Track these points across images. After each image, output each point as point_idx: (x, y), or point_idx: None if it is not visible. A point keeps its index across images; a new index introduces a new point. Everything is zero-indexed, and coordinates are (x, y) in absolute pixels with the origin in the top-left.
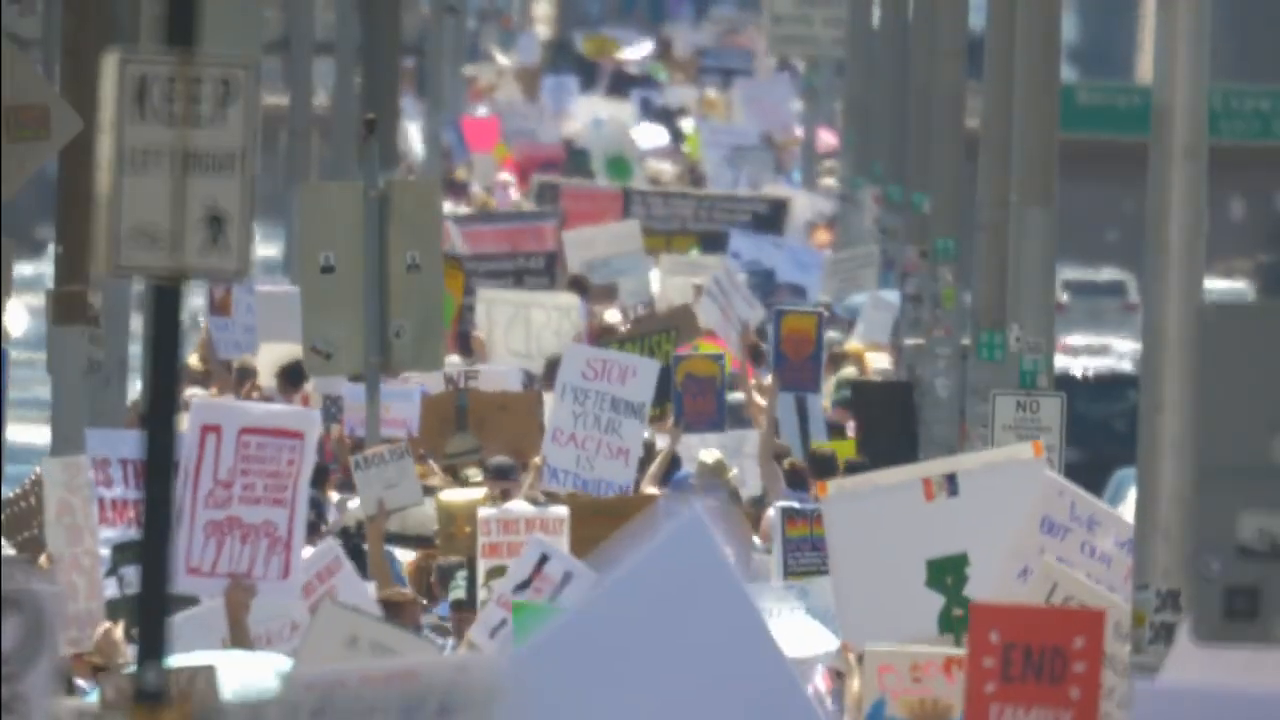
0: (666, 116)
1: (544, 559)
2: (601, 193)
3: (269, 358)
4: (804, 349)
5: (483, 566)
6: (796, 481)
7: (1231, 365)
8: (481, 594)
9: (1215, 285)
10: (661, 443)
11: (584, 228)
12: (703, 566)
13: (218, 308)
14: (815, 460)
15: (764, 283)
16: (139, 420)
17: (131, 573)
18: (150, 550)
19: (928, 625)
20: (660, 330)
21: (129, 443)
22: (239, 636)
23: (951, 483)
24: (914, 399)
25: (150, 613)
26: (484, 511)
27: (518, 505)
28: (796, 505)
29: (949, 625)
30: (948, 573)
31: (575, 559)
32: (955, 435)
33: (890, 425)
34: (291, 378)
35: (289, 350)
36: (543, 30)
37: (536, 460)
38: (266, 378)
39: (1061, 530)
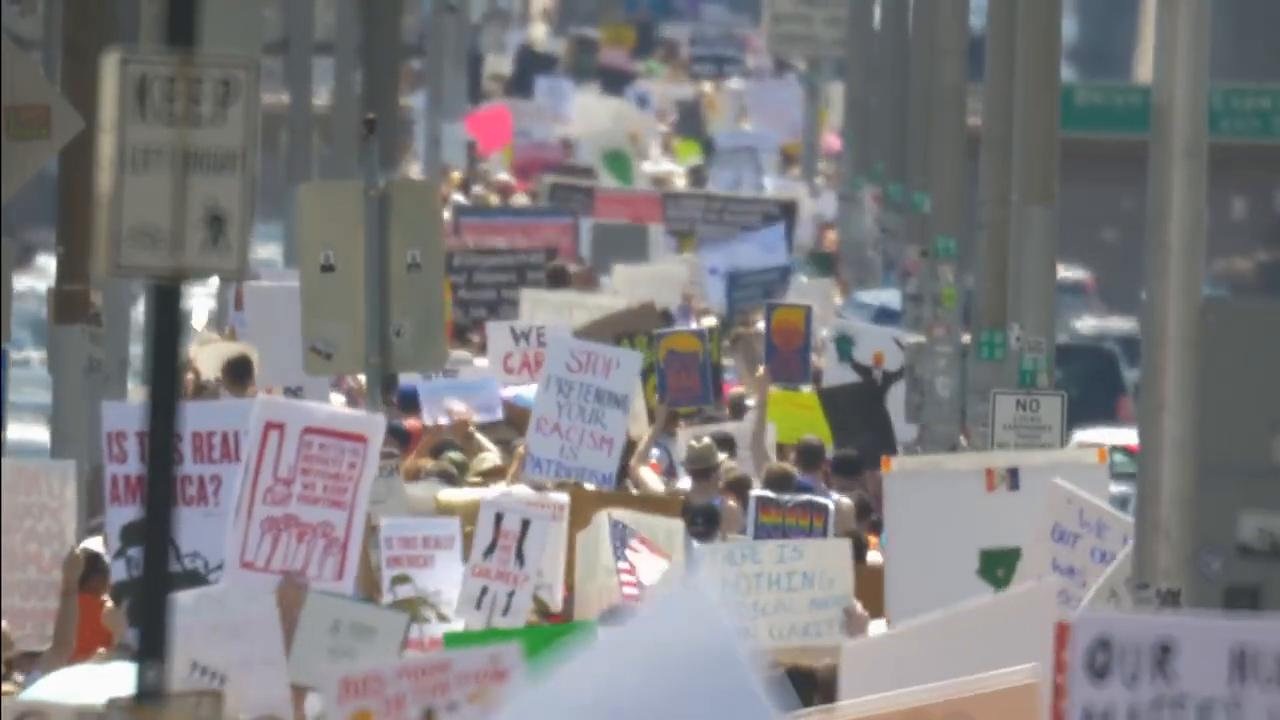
0: (688, 115)
1: (499, 517)
2: (640, 196)
3: (210, 354)
4: (794, 340)
5: (386, 575)
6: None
7: (1231, 365)
8: (386, 598)
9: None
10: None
11: (618, 221)
12: (703, 633)
13: (239, 305)
14: (803, 450)
15: (743, 277)
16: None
17: (140, 554)
18: (151, 551)
19: None
20: (624, 332)
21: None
22: (291, 633)
23: (1014, 477)
24: (877, 393)
25: (151, 612)
26: (487, 496)
27: (520, 490)
28: (772, 495)
29: None
30: (1000, 565)
31: (529, 508)
32: (956, 434)
33: (859, 425)
34: (237, 374)
35: (231, 346)
36: (543, 28)
37: (520, 450)
38: (209, 374)
39: (1072, 538)
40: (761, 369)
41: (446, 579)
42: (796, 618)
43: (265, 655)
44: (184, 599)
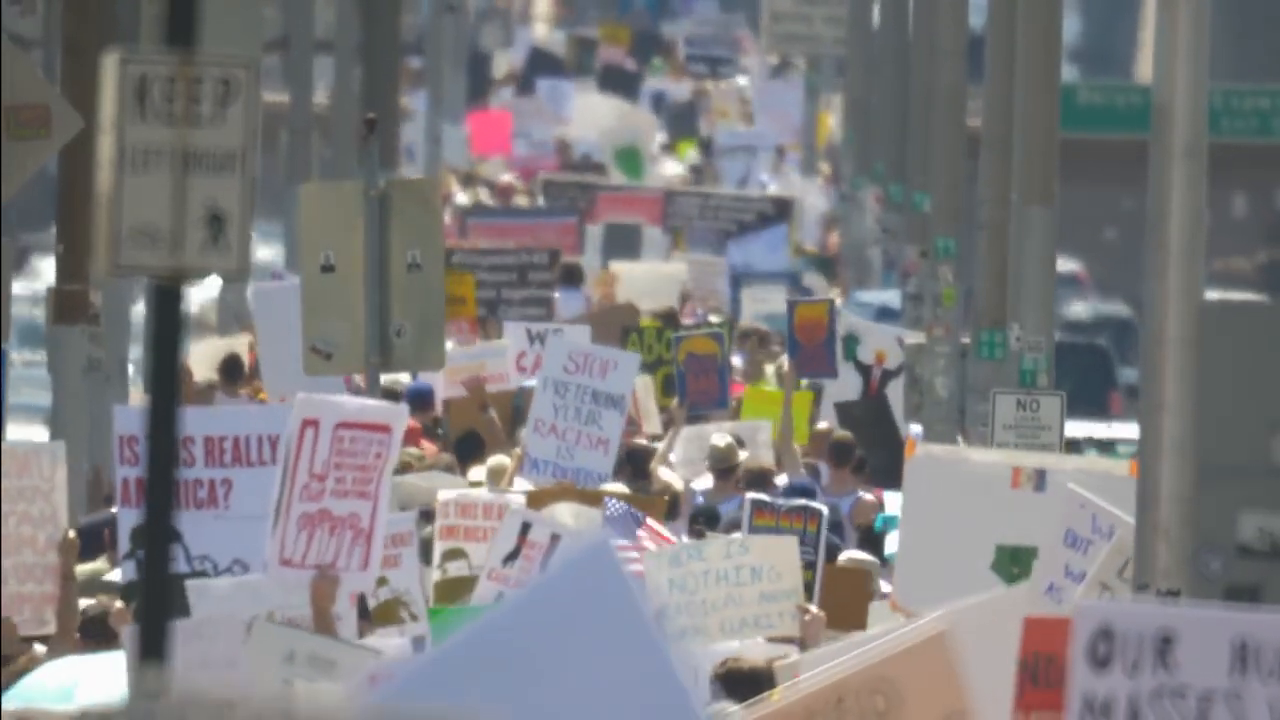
0: (683, 115)
1: (526, 526)
2: (641, 196)
3: (203, 354)
4: (817, 334)
5: (439, 549)
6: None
7: (1231, 365)
8: (435, 574)
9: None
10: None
11: (622, 221)
12: (606, 594)
13: None
14: (835, 447)
15: (749, 279)
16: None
17: None
18: (152, 554)
19: None
20: (632, 326)
21: None
22: (323, 627)
23: (1041, 478)
24: (889, 412)
25: (151, 613)
26: (442, 495)
27: (477, 490)
28: (767, 498)
29: None
30: (1015, 562)
31: (558, 521)
32: (955, 434)
33: (872, 440)
34: (231, 373)
35: (225, 345)
36: (542, 28)
37: (518, 450)
38: (202, 374)
39: (1084, 544)
40: (788, 365)
41: (410, 578)
42: (747, 611)
43: (225, 656)
44: (219, 586)
